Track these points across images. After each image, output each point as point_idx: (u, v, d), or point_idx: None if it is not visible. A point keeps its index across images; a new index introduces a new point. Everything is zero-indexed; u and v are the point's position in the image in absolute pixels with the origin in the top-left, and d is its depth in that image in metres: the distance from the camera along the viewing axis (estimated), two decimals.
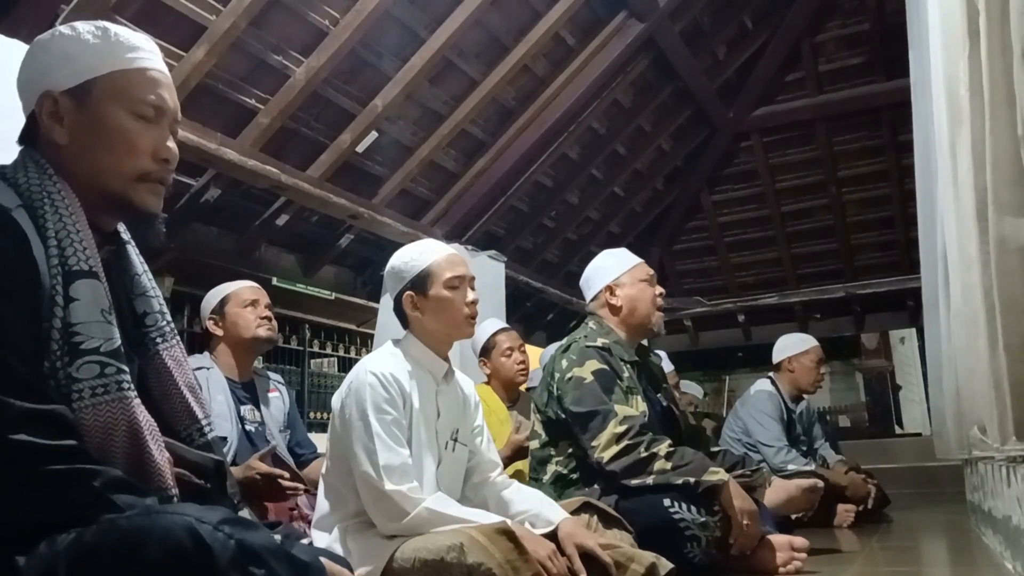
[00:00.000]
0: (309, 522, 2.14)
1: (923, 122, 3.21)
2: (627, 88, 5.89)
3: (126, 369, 1.06)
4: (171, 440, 1.13)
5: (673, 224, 7.81)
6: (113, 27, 1.17)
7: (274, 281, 4.86)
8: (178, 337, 1.24)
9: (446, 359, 2.02)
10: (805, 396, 4.29)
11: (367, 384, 1.82)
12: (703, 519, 2.21)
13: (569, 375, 2.41)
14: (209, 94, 3.78)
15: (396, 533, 1.75)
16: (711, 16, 6.02)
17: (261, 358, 3.17)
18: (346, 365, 7.53)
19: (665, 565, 1.86)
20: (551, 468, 2.46)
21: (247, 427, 2.49)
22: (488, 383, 3.45)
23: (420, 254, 1.99)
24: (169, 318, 1.24)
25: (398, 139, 4.76)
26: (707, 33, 6.11)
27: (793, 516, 3.25)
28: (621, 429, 2.29)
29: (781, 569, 2.35)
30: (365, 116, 4.36)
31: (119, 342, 1.06)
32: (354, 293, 5.83)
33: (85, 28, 1.16)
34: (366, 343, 6.56)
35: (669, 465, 2.25)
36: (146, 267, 1.24)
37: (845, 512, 3.84)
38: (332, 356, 7.59)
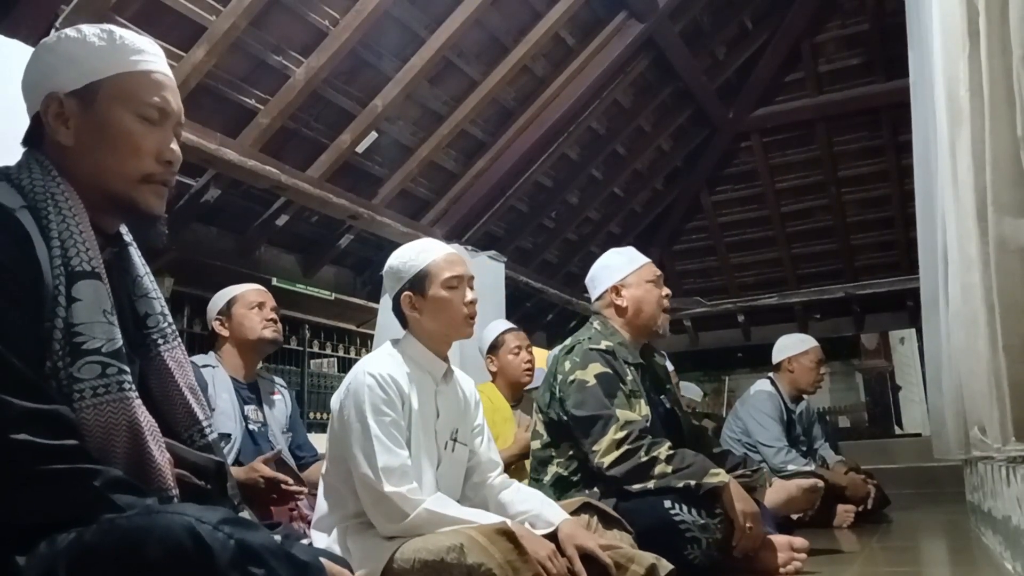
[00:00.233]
0: (309, 523, 2.15)
1: (922, 122, 3.21)
2: (627, 88, 5.89)
3: (127, 370, 1.06)
4: (172, 441, 1.13)
5: (673, 224, 7.81)
6: (118, 30, 1.18)
7: (274, 281, 4.86)
8: (179, 338, 1.25)
9: (445, 359, 2.01)
10: (805, 396, 4.29)
11: (365, 385, 1.81)
12: (703, 521, 2.21)
13: (572, 378, 2.40)
14: (209, 94, 3.78)
15: (396, 534, 1.75)
16: (711, 16, 6.02)
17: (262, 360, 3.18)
18: (346, 365, 7.52)
19: (665, 566, 1.86)
20: (552, 469, 2.46)
21: (250, 426, 2.52)
22: (493, 381, 3.47)
23: (418, 254, 1.98)
24: (170, 319, 1.24)
25: (398, 139, 4.76)
26: (707, 33, 6.11)
27: (793, 516, 3.25)
28: (622, 435, 2.28)
29: (781, 569, 2.35)
30: (365, 116, 4.36)
31: (121, 343, 1.06)
32: (354, 293, 5.83)
33: (90, 31, 1.17)
34: (366, 343, 6.56)
35: (670, 468, 2.24)
36: (147, 269, 1.25)
37: (845, 512, 3.84)
38: (332, 356, 7.59)
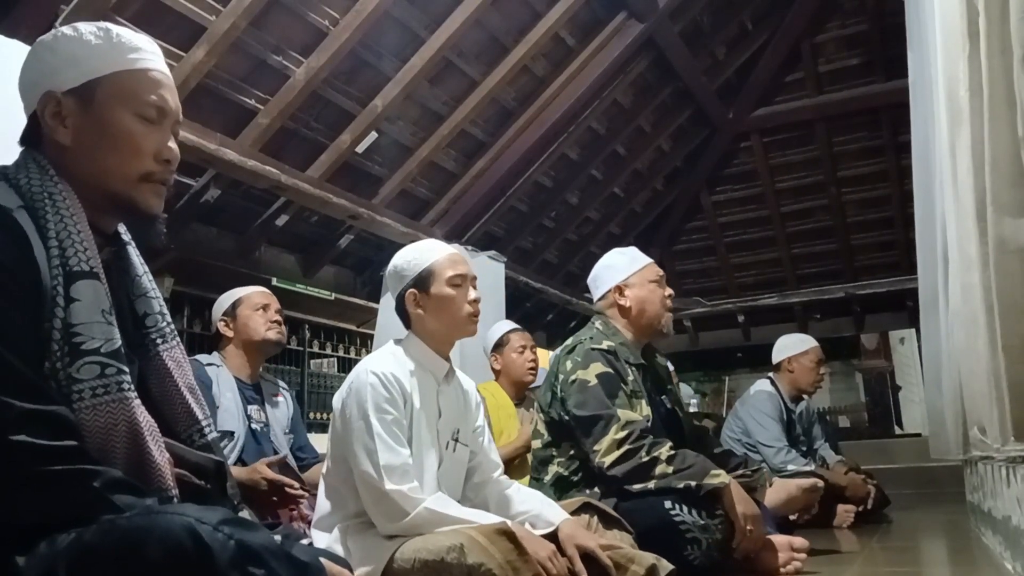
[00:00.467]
0: (309, 522, 2.15)
1: (921, 122, 3.21)
2: (627, 88, 5.89)
3: (126, 370, 1.06)
4: (171, 441, 1.13)
5: (673, 224, 7.81)
6: (115, 28, 1.17)
7: (274, 281, 4.86)
8: (178, 338, 1.24)
9: (447, 359, 2.02)
10: (805, 396, 4.29)
11: (368, 384, 1.82)
12: (704, 522, 2.20)
13: (573, 377, 2.39)
14: (209, 94, 3.78)
15: (396, 533, 1.75)
16: (711, 16, 6.02)
17: None
18: (346, 365, 7.53)
19: (665, 566, 1.86)
20: (552, 469, 2.45)
21: (253, 426, 2.55)
22: (496, 379, 3.48)
23: (422, 253, 1.99)
24: (169, 319, 1.24)
25: (398, 139, 4.76)
26: (707, 33, 6.12)
27: (792, 516, 3.25)
28: (623, 434, 2.27)
29: (781, 569, 2.35)
30: (365, 116, 4.36)
31: (119, 343, 1.06)
32: (354, 293, 5.83)
33: (87, 29, 1.16)
34: (366, 343, 6.56)
35: (671, 469, 2.24)
36: (146, 268, 1.24)
37: (845, 512, 3.84)
38: (332, 356, 7.59)
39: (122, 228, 1.22)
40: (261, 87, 3.95)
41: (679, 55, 5.81)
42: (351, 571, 1.28)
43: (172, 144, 1.18)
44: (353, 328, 6.62)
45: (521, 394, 3.51)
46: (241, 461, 2.38)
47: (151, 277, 1.24)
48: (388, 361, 1.89)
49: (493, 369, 3.52)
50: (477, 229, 5.64)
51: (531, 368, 3.45)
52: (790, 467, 3.80)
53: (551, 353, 4.18)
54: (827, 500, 3.60)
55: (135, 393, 1.06)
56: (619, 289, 2.58)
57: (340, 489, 1.87)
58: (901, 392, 12.19)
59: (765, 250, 7.80)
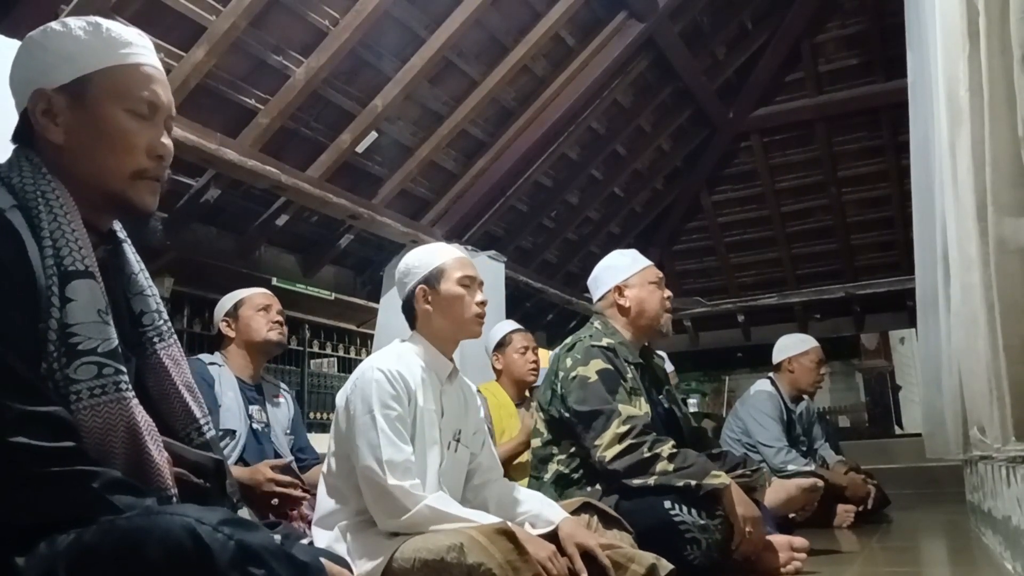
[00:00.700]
0: (309, 522, 2.15)
1: (921, 122, 3.21)
2: (627, 88, 5.89)
3: (124, 369, 1.05)
4: (170, 439, 1.13)
5: (673, 224, 7.81)
6: (105, 22, 1.15)
7: (274, 281, 4.86)
8: (175, 336, 1.23)
9: (451, 359, 2.04)
10: (805, 396, 4.29)
11: (374, 380, 1.83)
12: (703, 522, 2.21)
13: (573, 374, 2.41)
14: (209, 94, 3.78)
15: (396, 530, 1.75)
16: (711, 16, 6.02)
17: None
18: (346, 365, 7.52)
19: (665, 566, 1.86)
20: (552, 467, 2.46)
21: (254, 426, 2.56)
22: (498, 379, 3.48)
23: (433, 253, 2.05)
24: (166, 317, 1.23)
25: (398, 139, 4.76)
26: (707, 33, 6.12)
27: (792, 515, 3.25)
28: (624, 429, 2.29)
29: (781, 569, 2.35)
30: (365, 116, 4.36)
31: (116, 342, 1.05)
32: (354, 293, 5.83)
33: (76, 24, 1.14)
34: (366, 343, 6.56)
35: (671, 467, 2.24)
36: (143, 266, 1.23)
37: (845, 512, 3.84)
38: (332, 356, 7.58)
39: (117, 226, 1.21)
40: (261, 87, 3.95)
41: (679, 55, 5.81)
42: (351, 571, 1.28)
43: (165, 140, 1.17)
44: (353, 328, 6.62)
45: (522, 394, 3.51)
46: (242, 461, 2.39)
47: (147, 275, 1.23)
48: (394, 359, 1.91)
49: (495, 369, 3.52)
50: (477, 229, 5.64)
51: (533, 369, 3.46)
52: (790, 467, 3.80)
53: (551, 353, 4.19)
54: (827, 500, 3.60)
55: (133, 393, 1.06)
56: (619, 289, 2.60)
57: (342, 487, 1.87)
58: (901, 392, 12.19)
59: (765, 250, 7.80)
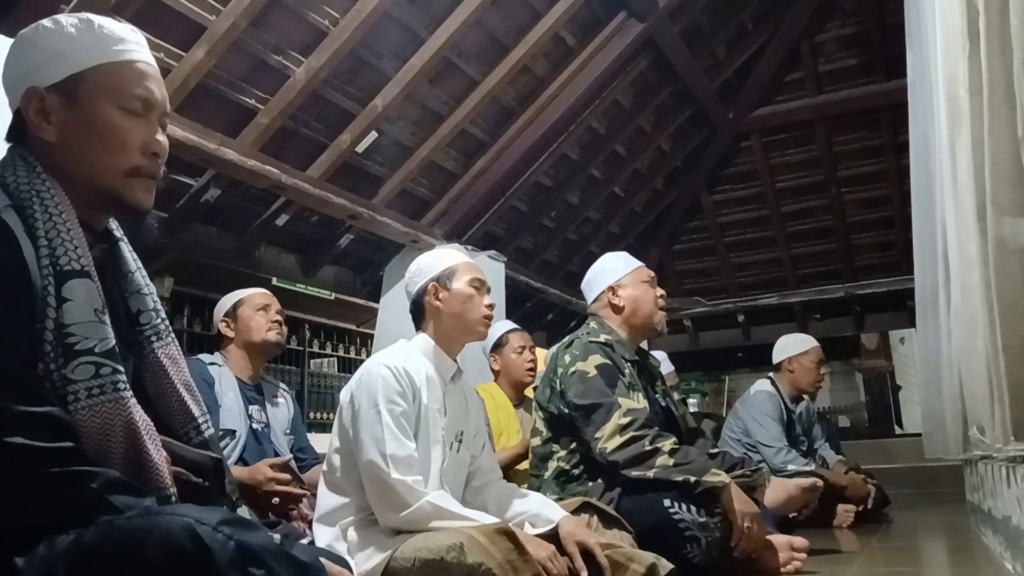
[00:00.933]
0: (309, 522, 2.15)
1: (920, 122, 3.21)
2: (627, 88, 5.89)
3: (121, 369, 1.05)
4: (168, 439, 1.13)
5: (673, 224, 7.81)
6: (97, 19, 1.14)
7: (274, 281, 4.87)
8: (173, 335, 1.23)
9: (455, 361, 2.06)
10: (805, 396, 4.29)
11: (380, 375, 1.85)
12: (703, 520, 2.21)
13: (572, 369, 2.43)
14: (209, 94, 3.78)
15: (397, 525, 1.76)
16: (711, 16, 6.02)
17: None
18: (346, 365, 7.53)
19: (665, 566, 1.87)
20: (552, 464, 2.47)
21: (254, 426, 2.57)
22: (496, 380, 3.48)
23: (445, 255, 2.10)
24: (164, 316, 1.22)
25: (398, 139, 4.76)
26: (707, 33, 6.11)
27: (792, 515, 3.25)
28: (625, 420, 2.31)
29: (781, 569, 2.35)
30: (365, 116, 4.36)
31: (113, 342, 1.05)
32: (354, 293, 5.83)
33: (68, 21, 1.13)
34: (366, 343, 6.56)
35: (671, 461, 2.26)
36: (139, 264, 1.22)
37: (845, 512, 3.84)
38: (332, 356, 7.59)
39: (114, 224, 1.21)
40: (261, 87, 3.95)
41: (679, 55, 5.80)
42: (351, 570, 1.28)
43: (160, 137, 1.16)
44: (353, 328, 6.62)
45: (521, 395, 3.50)
46: (242, 461, 2.39)
47: (144, 273, 1.22)
48: (400, 357, 1.94)
49: (492, 370, 3.52)
50: (477, 229, 5.64)
51: (530, 368, 3.46)
52: (790, 467, 3.80)
53: (547, 352, 4.19)
54: (827, 500, 3.60)
55: (131, 392, 1.05)
56: (612, 290, 2.65)
57: (344, 483, 1.88)
58: (901, 392, 12.20)
59: (765, 250, 7.79)
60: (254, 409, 2.59)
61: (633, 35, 5.18)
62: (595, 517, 2.14)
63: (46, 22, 1.14)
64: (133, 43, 1.16)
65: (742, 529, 2.22)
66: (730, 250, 7.89)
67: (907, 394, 11.92)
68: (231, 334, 2.66)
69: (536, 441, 2.55)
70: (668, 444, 2.29)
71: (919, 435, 4.69)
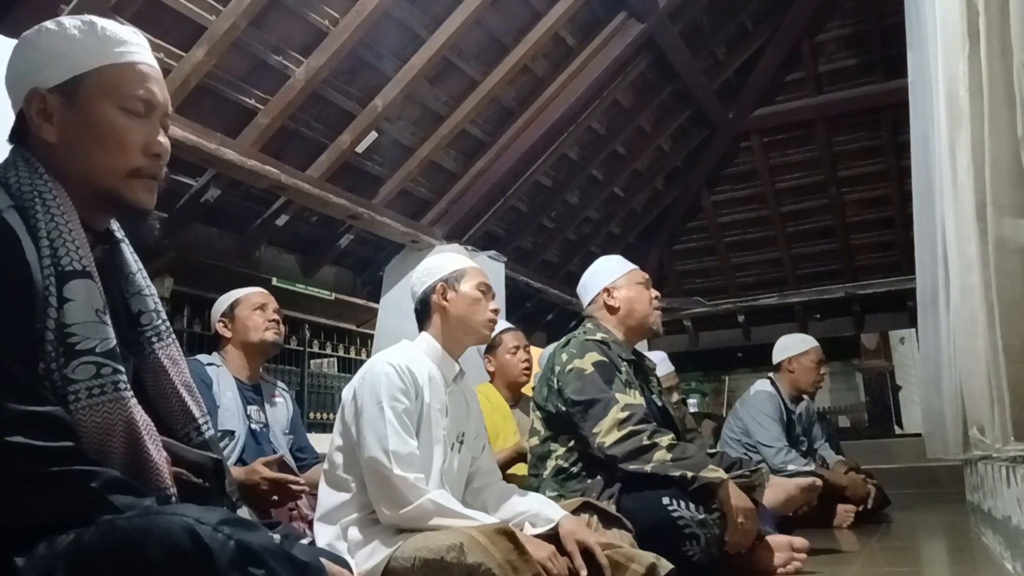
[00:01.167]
0: (309, 523, 2.15)
1: (921, 122, 3.21)
2: (627, 88, 5.89)
3: (122, 369, 1.05)
4: (168, 439, 1.13)
5: (673, 224, 7.81)
6: (100, 21, 1.15)
7: (274, 281, 4.87)
8: (174, 336, 1.23)
9: (457, 362, 2.07)
10: (805, 396, 4.29)
11: (383, 373, 1.87)
12: (702, 516, 2.22)
13: (570, 367, 2.45)
14: (209, 94, 3.78)
15: (398, 522, 1.77)
16: (711, 16, 6.02)
17: None
18: (346, 365, 7.53)
19: (665, 566, 1.87)
20: (551, 463, 2.48)
21: (253, 426, 2.57)
22: (491, 381, 3.47)
23: (453, 259, 2.14)
24: (165, 317, 1.23)
25: (398, 139, 4.76)
26: (707, 33, 6.11)
27: (790, 513, 3.25)
28: (624, 415, 2.33)
29: (780, 569, 2.36)
30: (365, 116, 4.36)
31: (114, 342, 1.05)
32: (354, 293, 5.83)
33: (71, 23, 1.14)
34: (366, 343, 6.56)
35: (669, 457, 2.27)
36: (140, 265, 1.23)
37: (845, 512, 3.84)
38: (332, 356, 7.59)
39: (115, 225, 1.21)
40: (261, 87, 3.95)
41: (679, 55, 5.80)
42: (351, 570, 1.28)
43: (162, 138, 1.16)
44: (353, 328, 6.63)
45: (517, 395, 3.49)
46: (241, 461, 2.39)
47: (145, 274, 1.23)
48: (403, 356, 1.95)
49: (487, 371, 3.50)
50: (477, 229, 5.64)
51: (525, 369, 3.44)
52: (790, 467, 3.80)
53: (541, 351, 4.18)
54: (827, 500, 3.60)
55: (131, 392, 1.05)
56: (607, 291, 2.68)
57: (345, 481, 1.88)
58: (901, 392, 12.20)
59: (765, 250, 7.79)
60: (252, 409, 2.59)
61: (633, 35, 5.18)
62: (595, 517, 2.15)
63: (49, 24, 1.15)
64: (135, 45, 1.17)
65: (735, 522, 2.23)
66: (730, 250, 7.89)
67: (907, 394, 11.93)
68: (228, 334, 2.65)
69: (534, 440, 2.56)
70: (666, 440, 2.31)
71: (919, 435, 4.69)
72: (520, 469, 3.04)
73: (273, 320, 2.67)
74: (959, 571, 2.69)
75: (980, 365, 1.95)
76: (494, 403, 3.32)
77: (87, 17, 1.16)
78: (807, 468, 3.82)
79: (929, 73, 2.82)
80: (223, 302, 2.71)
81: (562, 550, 1.83)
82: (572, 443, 2.45)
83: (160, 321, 1.20)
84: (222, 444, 2.34)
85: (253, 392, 2.64)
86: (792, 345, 4.25)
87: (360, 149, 4.54)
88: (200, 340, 5.19)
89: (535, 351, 3.58)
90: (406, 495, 1.75)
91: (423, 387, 1.91)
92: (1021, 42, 1.51)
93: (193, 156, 3.67)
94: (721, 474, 2.27)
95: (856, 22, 6.52)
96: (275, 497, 2.21)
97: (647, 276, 2.75)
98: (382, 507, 1.79)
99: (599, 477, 2.38)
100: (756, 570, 2.34)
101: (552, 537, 1.87)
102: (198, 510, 0.91)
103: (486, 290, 2.08)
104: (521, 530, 1.85)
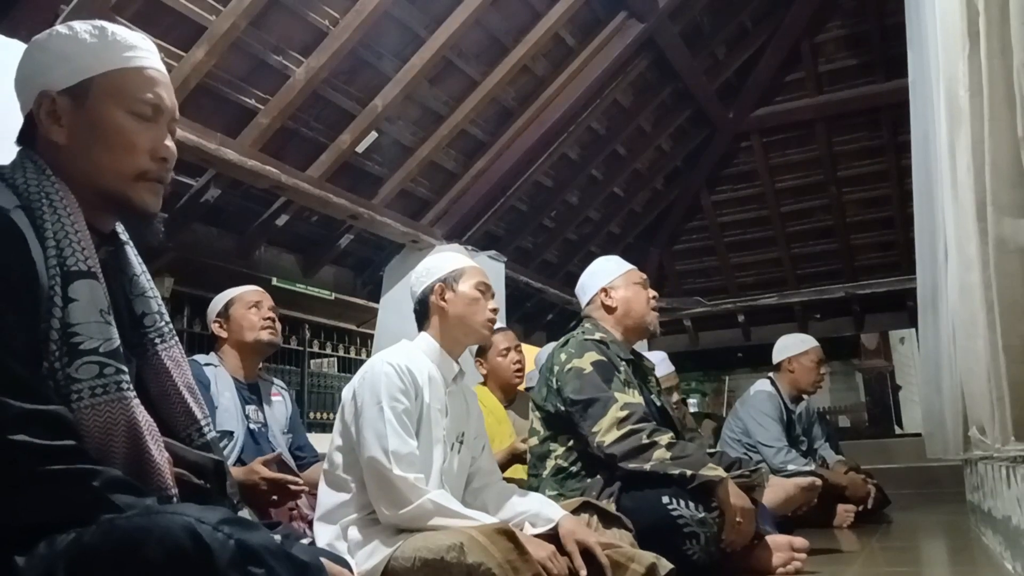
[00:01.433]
0: (309, 522, 2.15)
1: (921, 122, 3.21)
2: (627, 88, 5.89)
3: (125, 369, 1.06)
4: (170, 440, 1.13)
5: (673, 224, 7.81)
6: (110, 26, 1.17)
7: (274, 281, 4.87)
8: (176, 338, 1.24)
9: (457, 363, 2.07)
10: (805, 396, 4.29)
11: (383, 373, 1.87)
12: (701, 515, 2.22)
13: (569, 366, 2.46)
14: (209, 94, 3.78)
15: (398, 522, 1.77)
16: (711, 16, 6.02)
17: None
18: (346, 365, 7.53)
19: (665, 565, 1.87)
20: (551, 463, 2.48)
21: (251, 426, 2.55)
22: (484, 383, 3.44)
23: (453, 258, 2.13)
24: (167, 319, 1.23)
25: (398, 139, 4.76)
26: (707, 33, 6.11)
27: (790, 513, 3.25)
28: (623, 414, 2.33)
29: (780, 569, 2.36)
30: (365, 116, 4.36)
31: (118, 342, 1.06)
32: (354, 293, 5.84)
33: (82, 27, 1.15)
34: (366, 343, 6.56)
35: (668, 455, 2.27)
36: (144, 267, 1.24)
37: (845, 512, 3.84)
38: (332, 356, 7.59)
39: (120, 227, 1.22)
40: (261, 87, 3.95)
41: (679, 55, 5.80)
42: (351, 570, 1.28)
43: (169, 142, 1.18)
44: (353, 328, 6.63)
45: (511, 396, 3.46)
46: (240, 461, 2.38)
47: (149, 276, 1.24)
48: (403, 356, 1.95)
49: (480, 374, 3.47)
50: (477, 229, 5.64)
51: (518, 370, 3.39)
52: (790, 467, 3.80)
53: (537, 351, 4.17)
54: (827, 500, 3.60)
55: (134, 393, 1.06)
56: (605, 291, 2.69)
57: (345, 481, 1.89)
58: (901, 392, 12.21)
59: (765, 250, 7.79)
60: (251, 409, 2.57)
61: (633, 35, 5.18)
62: (595, 517, 2.15)
63: (60, 28, 1.16)
64: (144, 50, 1.18)
65: (733, 520, 2.23)
66: (730, 250, 7.89)
67: (907, 394, 11.93)
68: (224, 334, 2.63)
69: (534, 441, 2.56)
70: (666, 438, 2.31)
71: (919, 435, 4.69)
72: (516, 471, 3.03)
73: (268, 319, 2.64)
74: (959, 571, 2.69)
75: (980, 365, 1.95)
76: (489, 406, 3.28)
77: (97, 22, 1.17)
78: (807, 468, 3.82)
79: (929, 73, 2.82)
80: (218, 302, 2.70)
81: (562, 550, 1.83)
82: (571, 442, 2.46)
83: (163, 323, 1.21)
84: (221, 445, 2.33)
85: (251, 392, 2.63)
86: (792, 345, 4.25)
87: (360, 149, 4.54)
88: (200, 340, 5.20)
89: (529, 349, 3.55)
90: (406, 495, 1.75)
91: (423, 387, 1.91)
92: (1021, 42, 1.51)
93: (193, 156, 3.67)
94: (720, 472, 2.28)
95: (856, 22, 6.52)
96: (274, 497, 2.21)
97: (645, 276, 2.76)
98: (382, 507, 1.79)
99: (599, 476, 2.39)
100: (756, 570, 2.34)
101: (552, 537, 1.87)
102: (198, 509, 0.91)
103: (485, 290, 2.08)
104: (521, 530, 1.85)
